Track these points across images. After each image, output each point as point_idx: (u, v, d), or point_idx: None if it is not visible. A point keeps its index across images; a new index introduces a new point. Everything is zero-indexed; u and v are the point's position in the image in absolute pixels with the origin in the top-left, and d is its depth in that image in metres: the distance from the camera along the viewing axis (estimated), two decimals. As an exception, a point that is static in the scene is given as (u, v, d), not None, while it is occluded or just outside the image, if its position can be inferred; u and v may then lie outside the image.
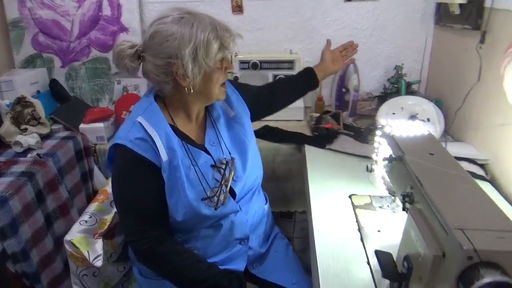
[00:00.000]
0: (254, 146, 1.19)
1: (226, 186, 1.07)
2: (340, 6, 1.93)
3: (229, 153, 1.12)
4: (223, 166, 1.08)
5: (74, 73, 2.00)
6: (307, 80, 1.42)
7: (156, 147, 0.98)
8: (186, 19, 0.96)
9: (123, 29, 1.93)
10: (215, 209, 1.04)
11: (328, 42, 1.50)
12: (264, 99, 1.34)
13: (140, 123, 1.00)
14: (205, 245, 1.09)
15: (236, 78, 1.83)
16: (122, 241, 1.24)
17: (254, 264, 1.16)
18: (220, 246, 1.10)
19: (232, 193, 1.10)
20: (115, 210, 1.25)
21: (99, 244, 1.13)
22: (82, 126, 1.70)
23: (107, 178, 1.70)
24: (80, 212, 1.53)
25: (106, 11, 1.90)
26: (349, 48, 1.49)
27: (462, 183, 0.77)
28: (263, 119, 1.39)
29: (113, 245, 1.20)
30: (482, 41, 1.40)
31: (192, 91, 1.00)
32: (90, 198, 1.66)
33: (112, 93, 2.00)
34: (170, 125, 1.04)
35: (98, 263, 1.10)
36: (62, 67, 1.99)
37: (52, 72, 1.99)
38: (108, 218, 1.23)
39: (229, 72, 1.08)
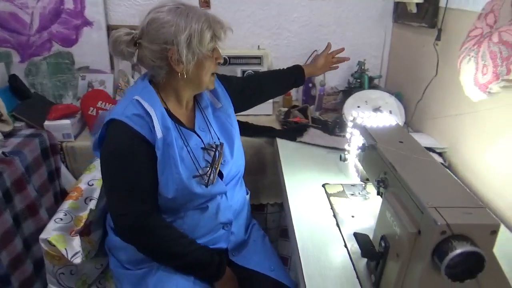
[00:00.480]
0: (238, 136, 1.26)
1: (216, 168, 1.12)
2: (304, 4, 1.99)
3: (218, 138, 1.19)
4: (213, 149, 1.14)
5: (34, 68, 1.92)
6: (295, 77, 1.50)
7: (152, 124, 1.03)
8: (182, 9, 1.03)
9: (87, 23, 1.87)
10: (206, 186, 1.09)
11: (328, 46, 1.57)
12: (250, 91, 1.40)
13: (138, 101, 1.04)
14: (191, 228, 1.12)
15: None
16: (99, 237, 1.23)
17: (234, 252, 1.20)
18: (205, 229, 1.13)
19: (220, 175, 1.16)
20: (90, 207, 1.24)
21: (76, 242, 1.12)
22: (47, 123, 1.64)
23: (76, 177, 1.65)
24: (49, 211, 1.49)
25: (69, 4, 1.84)
26: (341, 59, 1.59)
27: (431, 167, 0.85)
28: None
29: (91, 242, 1.19)
30: (438, 38, 1.51)
31: (185, 76, 1.06)
32: (57, 198, 1.61)
33: (76, 89, 1.93)
34: (163, 107, 1.09)
35: (77, 260, 1.08)
36: (21, 62, 1.90)
37: (10, 67, 1.90)
38: (84, 215, 1.21)
39: (219, 63, 1.14)
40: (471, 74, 1.12)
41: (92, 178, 1.33)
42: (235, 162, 1.20)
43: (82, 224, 1.17)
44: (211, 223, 1.14)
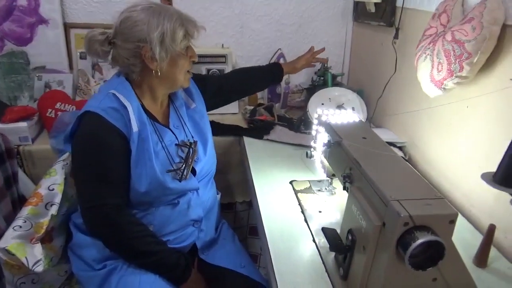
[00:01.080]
0: (211, 135, 1.29)
1: (190, 164, 1.14)
2: (268, 2, 2.01)
3: (192, 136, 1.21)
4: (187, 146, 1.16)
5: (-15, 68, 1.81)
6: (274, 75, 1.54)
7: (128, 118, 1.04)
8: (154, 8, 1.06)
9: (42, 21, 1.79)
10: (180, 181, 1.10)
11: (311, 49, 1.61)
12: (228, 88, 1.44)
13: (114, 94, 1.06)
14: (161, 223, 1.12)
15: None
16: (63, 243, 1.19)
17: (204, 251, 1.20)
18: (175, 225, 1.13)
19: (193, 172, 1.17)
20: (51, 212, 1.19)
21: (37, 249, 1.07)
22: (1, 126, 1.55)
23: (35, 182, 1.58)
24: (7, 219, 1.41)
25: (22, 1, 1.75)
26: (320, 59, 1.64)
27: (392, 161, 0.88)
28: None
29: (53, 248, 1.14)
30: (396, 36, 1.57)
31: (159, 74, 1.08)
32: (16, 204, 1.53)
33: (32, 90, 1.84)
34: (139, 103, 1.11)
35: (39, 268, 1.04)
36: (-30, 62, 1.80)
37: (-42, 67, 1.79)
38: (44, 221, 1.15)
39: (193, 62, 1.16)
40: (427, 71, 1.18)
41: (52, 183, 1.27)
42: (208, 160, 1.23)
43: (43, 230, 1.12)
44: (181, 219, 1.14)
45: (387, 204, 0.72)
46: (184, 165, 1.12)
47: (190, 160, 1.14)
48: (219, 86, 1.40)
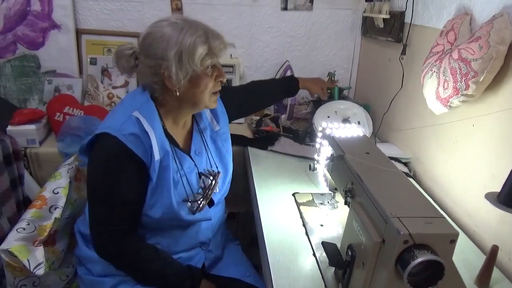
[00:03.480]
0: (232, 162, 1.25)
1: (208, 196, 1.11)
2: (277, 14, 2.03)
3: (216, 166, 1.17)
4: (210, 177, 1.12)
5: (-3, 71, 1.85)
6: (290, 89, 1.57)
7: (150, 145, 0.99)
8: (178, 24, 0.99)
9: (55, 26, 1.83)
10: (194, 214, 1.07)
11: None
12: (249, 101, 1.44)
13: (138, 119, 1.00)
14: (169, 243, 1.11)
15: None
16: (65, 247, 1.19)
17: (211, 266, 1.20)
18: (182, 246, 1.13)
19: (210, 202, 1.15)
20: (54, 216, 1.20)
21: (39, 252, 1.08)
22: (10, 128, 1.58)
23: (40, 185, 1.60)
24: (11, 220, 1.42)
25: (35, 6, 1.78)
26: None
27: (394, 178, 0.88)
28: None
29: (55, 252, 1.15)
30: (403, 52, 1.57)
31: (178, 94, 1.02)
32: (20, 206, 1.55)
33: (42, 93, 1.87)
34: (162, 126, 1.06)
35: (40, 271, 1.05)
36: (-17, 64, 1.83)
37: (-29, 69, 1.82)
38: (48, 224, 1.17)
39: (221, 81, 1.07)
40: (433, 88, 1.18)
41: (57, 186, 1.28)
42: (226, 189, 1.21)
43: (46, 233, 1.13)
44: (190, 241, 1.13)
45: (387, 220, 0.71)
46: (202, 198, 1.09)
47: (210, 192, 1.11)
48: (242, 100, 1.38)
